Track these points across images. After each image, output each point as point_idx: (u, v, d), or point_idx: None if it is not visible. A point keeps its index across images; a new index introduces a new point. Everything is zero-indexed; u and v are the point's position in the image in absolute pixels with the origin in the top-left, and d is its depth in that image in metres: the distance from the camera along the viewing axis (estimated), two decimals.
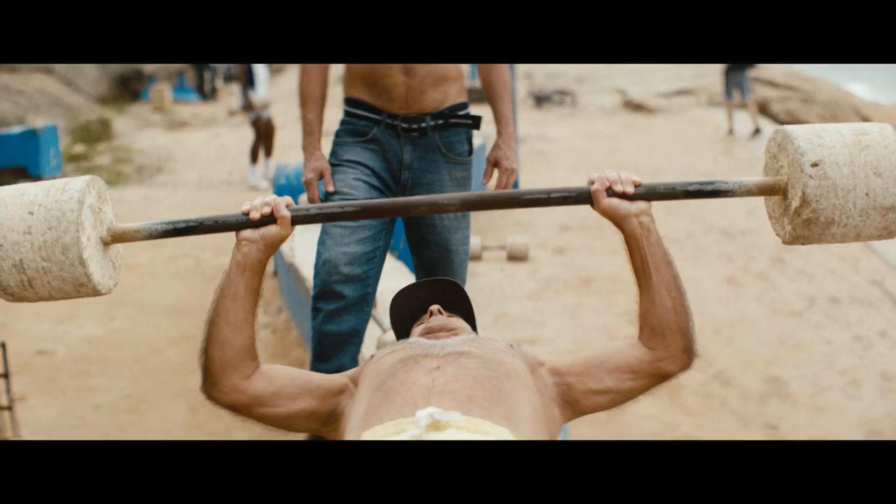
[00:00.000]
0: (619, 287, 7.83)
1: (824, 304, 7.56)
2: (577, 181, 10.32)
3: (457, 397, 2.12)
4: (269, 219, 2.40)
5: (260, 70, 13.08)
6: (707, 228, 9.83)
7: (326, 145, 3.71)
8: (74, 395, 5.89)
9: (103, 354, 6.54)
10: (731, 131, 16.16)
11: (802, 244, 2.39)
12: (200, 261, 8.64)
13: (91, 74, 20.01)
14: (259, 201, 2.42)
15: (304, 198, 7.11)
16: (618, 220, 2.41)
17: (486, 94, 3.72)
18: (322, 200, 3.61)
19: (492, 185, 3.78)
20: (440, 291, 2.76)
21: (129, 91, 20.92)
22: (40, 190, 2.31)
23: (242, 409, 2.41)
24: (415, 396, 2.15)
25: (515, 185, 3.72)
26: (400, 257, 6.20)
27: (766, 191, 2.41)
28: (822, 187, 2.25)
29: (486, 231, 9.03)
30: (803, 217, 2.29)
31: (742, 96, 16.01)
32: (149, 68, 21.57)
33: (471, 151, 3.72)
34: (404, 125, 3.57)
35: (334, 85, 3.83)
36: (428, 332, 2.52)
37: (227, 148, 14.87)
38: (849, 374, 6.21)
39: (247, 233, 2.39)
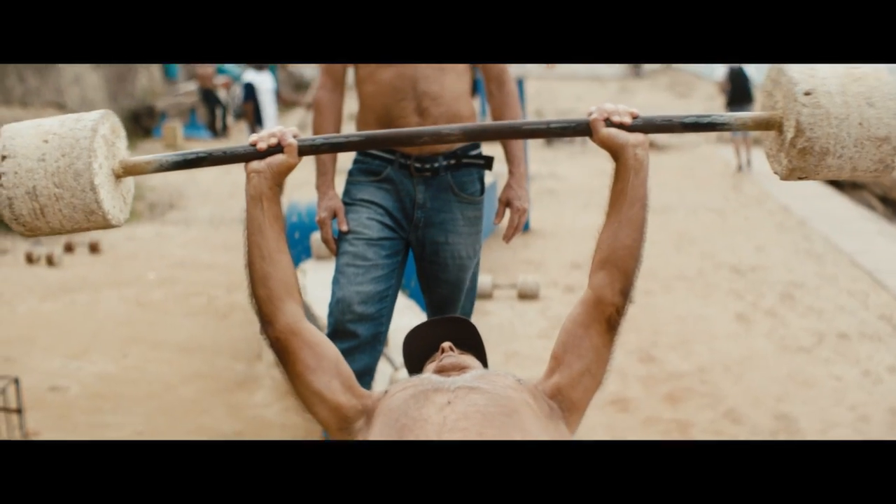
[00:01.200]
0: (629, 325, 7.80)
1: (833, 340, 7.56)
2: (588, 219, 10.32)
3: (467, 435, 2.15)
4: (277, 149, 2.47)
5: (268, 107, 13.10)
6: (717, 265, 9.84)
7: (339, 183, 3.75)
8: (87, 431, 5.90)
9: (116, 391, 6.55)
10: (739, 167, 16.19)
11: (799, 178, 2.41)
12: (213, 298, 8.66)
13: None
14: (266, 132, 2.50)
15: (316, 235, 7.16)
16: (614, 150, 2.46)
17: None
18: (335, 240, 3.65)
19: (503, 226, 3.82)
20: (452, 329, 2.79)
21: (140, 127, 20.97)
22: (56, 121, 2.40)
23: (293, 354, 2.47)
24: (427, 435, 2.18)
25: (526, 225, 3.77)
26: (411, 295, 6.21)
27: (761, 125, 2.46)
28: (815, 115, 2.29)
29: (497, 269, 9.03)
30: (798, 147, 2.32)
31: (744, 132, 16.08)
32: (160, 105, 21.65)
33: (482, 191, 3.76)
34: (417, 165, 3.62)
35: (346, 122, 3.87)
36: (440, 371, 2.55)
37: (238, 185, 14.64)
38: (858, 410, 6.21)
39: (254, 164, 2.47)
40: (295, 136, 2.49)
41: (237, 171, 2.56)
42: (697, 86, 32.44)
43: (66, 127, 2.36)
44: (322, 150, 2.62)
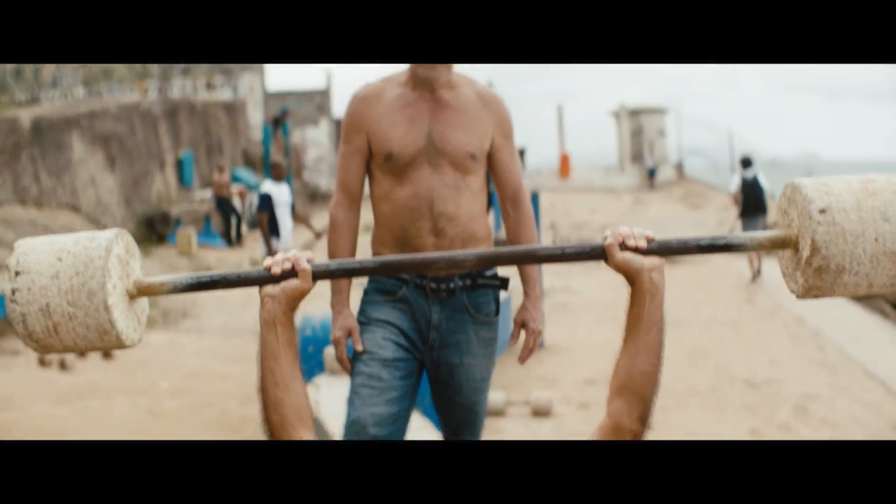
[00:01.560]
0: None
1: None
2: (602, 334, 10.27)
3: None
4: (291, 273, 2.47)
5: (285, 220, 13.14)
6: (730, 380, 9.78)
7: (355, 296, 3.75)
8: None
9: None
10: (753, 278, 16.20)
11: (816, 296, 2.40)
12: (225, 410, 8.61)
13: (118, 214, 20.18)
14: (280, 256, 2.49)
15: (330, 350, 7.15)
16: (630, 275, 2.46)
17: None
18: (350, 359, 3.66)
19: (518, 347, 3.81)
20: None
21: (155, 233, 21.09)
22: (70, 239, 2.40)
23: None
24: None
25: (541, 344, 3.77)
26: (425, 413, 6.18)
27: (777, 244, 2.45)
28: (830, 233, 2.29)
29: (510, 386, 8.97)
30: (814, 266, 2.31)
31: None
32: (175, 211, 21.79)
33: (498, 311, 3.77)
34: (433, 285, 3.63)
35: (362, 233, 3.89)
36: None
37: (252, 295, 14.45)
38: None
39: (268, 288, 2.47)
40: (309, 261, 2.51)
41: None
42: (711, 197, 32.61)
43: (80, 245, 2.37)
44: (337, 275, 2.63)
